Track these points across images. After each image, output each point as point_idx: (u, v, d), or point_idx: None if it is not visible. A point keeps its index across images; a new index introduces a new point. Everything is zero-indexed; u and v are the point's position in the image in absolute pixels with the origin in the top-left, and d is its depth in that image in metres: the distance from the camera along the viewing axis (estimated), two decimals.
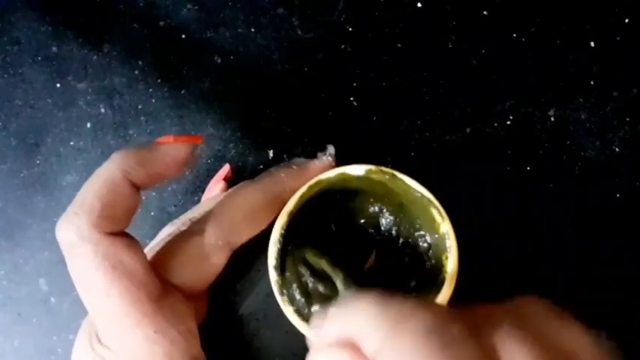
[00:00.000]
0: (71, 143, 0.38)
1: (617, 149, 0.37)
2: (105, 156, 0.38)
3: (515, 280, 0.36)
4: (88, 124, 0.38)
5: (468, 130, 0.37)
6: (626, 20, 0.37)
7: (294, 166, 0.31)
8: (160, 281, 0.26)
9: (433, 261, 0.31)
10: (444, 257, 0.30)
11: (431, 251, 0.32)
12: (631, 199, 0.36)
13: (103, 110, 0.38)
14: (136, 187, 0.25)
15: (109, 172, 0.25)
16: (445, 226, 0.30)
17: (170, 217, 0.37)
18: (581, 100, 0.37)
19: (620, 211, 0.36)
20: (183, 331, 0.26)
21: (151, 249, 0.28)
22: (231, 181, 0.36)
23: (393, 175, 0.30)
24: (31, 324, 0.37)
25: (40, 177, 0.38)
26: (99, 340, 0.26)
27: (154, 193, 0.37)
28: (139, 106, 0.38)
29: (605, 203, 0.36)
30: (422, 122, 0.37)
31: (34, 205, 0.38)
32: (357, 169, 0.30)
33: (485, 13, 0.37)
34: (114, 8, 0.38)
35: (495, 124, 0.37)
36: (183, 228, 0.29)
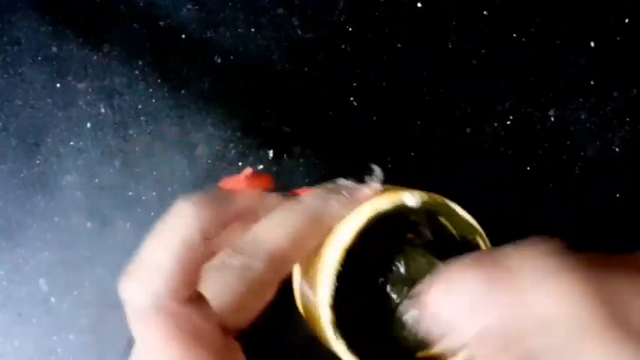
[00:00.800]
0: (71, 143, 0.38)
1: (617, 149, 0.37)
2: (105, 156, 0.38)
3: None
4: (88, 124, 0.38)
5: (468, 130, 0.37)
6: (626, 20, 0.37)
7: (344, 192, 0.29)
8: (224, 336, 0.25)
9: None
10: None
11: None
12: (631, 199, 0.36)
13: (103, 110, 0.38)
14: (207, 242, 0.24)
15: (187, 232, 0.23)
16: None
17: None
18: (581, 100, 0.37)
19: (620, 211, 0.36)
20: None
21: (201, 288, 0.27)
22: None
23: (447, 205, 0.29)
24: (31, 324, 0.37)
25: (40, 177, 0.38)
26: None
27: (154, 194, 0.37)
28: (139, 106, 0.38)
29: (605, 203, 0.36)
30: (422, 122, 0.37)
31: (34, 205, 0.38)
32: (413, 200, 0.28)
33: (485, 13, 0.37)
34: (114, 8, 0.38)
35: (495, 124, 0.37)
36: (232, 262, 0.27)
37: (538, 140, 0.37)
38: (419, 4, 0.38)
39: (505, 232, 0.35)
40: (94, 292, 0.37)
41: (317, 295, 0.28)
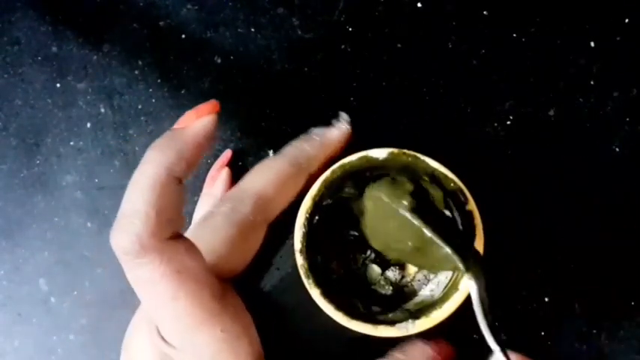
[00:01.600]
0: (71, 143, 0.38)
1: (617, 149, 0.37)
2: (105, 156, 0.38)
3: (515, 280, 0.36)
4: (88, 124, 0.38)
5: (468, 130, 0.37)
6: (626, 20, 0.37)
7: (315, 137, 0.32)
8: (218, 279, 0.26)
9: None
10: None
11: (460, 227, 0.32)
12: (631, 199, 0.36)
13: (102, 110, 0.38)
14: (180, 182, 0.25)
15: (154, 174, 0.24)
16: (469, 207, 0.30)
17: None
18: (581, 100, 0.37)
19: (620, 211, 0.36)
20: (246, 325, 0.27)
21: (192, 236, 0.28)
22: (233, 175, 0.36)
23: (416, 157, 0.31)
24: (31, 324, 0.37)
25: (40, 177, 0.38)
26: (162, 339, 0.26)
27: None
28: (139, 106, 0.38)
29: (605, 203, 0.36)
30: (422, 122, 0.37)
31: (34, 205, 0.38)
32: (379, 152, 0.31)
33: (485, 13, 0.37)
34: (114, 8, 0.38)
35: (495, 124, 0.37)
36: (220, 209, 0.29)
37: (538, 140, 0.37)
38: (419, 4, 0.38)
39: (505, 232, 0.36)
40: (94, 292, 0.37)
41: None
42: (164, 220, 0.24)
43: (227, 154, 0.36)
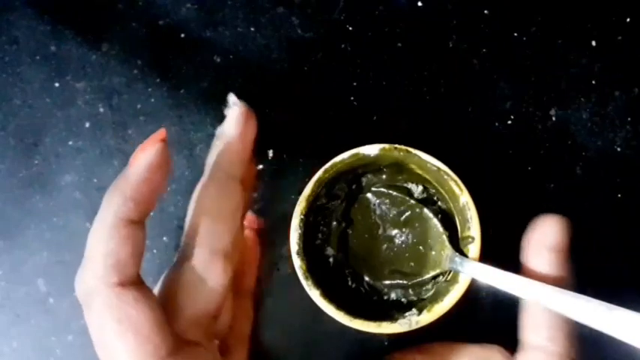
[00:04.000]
0: (70, 143, 0.38)
1: (618, 149, 0.36)
2: (104, 156, 0.37)
3: None
4: (87, 124, 0.38)
5: (468, 130, 0.37)
6: (628, 19, 0.37)
7: (217, 142, 0.30)
8: (172, 336, 0.25)
9: (459, 229, 0.32)
10: (466, 227, 0.31)
11: (457, 219, 0.32)
12: (633, 199, 0.36)
13: (101, 110, 0.38)
14: (135, 222, 0.25)
15: (103, 219, 0.24)
16: (464, 198, 0.30)
17: (169, 218, 0.37)
18: (582, 99, 0.37)
19: (621, 212, 0.36)
20: None
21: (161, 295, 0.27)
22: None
23: (408, 152, 0.31)
24: (30, 325, 0.37)
25: (38, 177, 0.38)
26: None
27: None
28: (138, 106, 0.38)
29: (606, 203, 0.36)
30: (422, 122, 0.37)
31: (32, 205, 0.37)
32: (371, 149, 0.31)
33: (485, 12, 0.37)
34: (113, 7, 0.38)
35: (496, 124, 0.37)
36: (175, 258, 0.28)
37: (539, 140, 0.37)
38: (419, 4, 0.38)
39: (505, 232, 0.35)
40: None
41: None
42: (110, 264, 0.24)
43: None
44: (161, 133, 0.26)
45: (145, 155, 0.25)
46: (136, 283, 0.25)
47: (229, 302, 0.31)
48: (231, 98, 0.31)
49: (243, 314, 0.33)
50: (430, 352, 0.32)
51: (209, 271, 0.27)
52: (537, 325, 0.29)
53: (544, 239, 0.29)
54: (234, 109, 0.30)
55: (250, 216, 0.36)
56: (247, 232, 0.35)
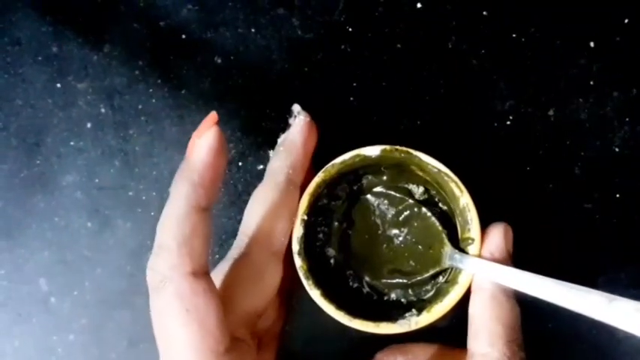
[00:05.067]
0: (71, 143, 0.38)
1: (617, 149, 0.37)
2: (105, 156, 0.38)
3: None
4: (89, 124, 0.38)
5: (468, 130, 0.37)
6: (626, 20, 0.37)
7: (280, 147, 0.31)
8: (229, 335, 0.25)
9: (459, 230, 0.32)
10: (466, 229, 0.31)
11: (457, 220, 0.32)
12: (631, 199, 0.36)
13: (103, 110, 0.38)
14: (205, 210, 0.25)
15: (175, 208, 0.25)
16: (465, 199, 0.30)
17: None
18: (581, 100, 0.37)
19: (620, 212, 0.36)
20: None
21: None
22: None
23: (409, 153, 0.31)
24: (31, 324, 0.37)
25: (40, 177, 0.38)
26: None
27: (154, 194, 0.37)
28: (140, 106, 0.38)
29: (605, 203, 0.36)
30: (421, 122, 0.37)
31: (34, 205, 0.38)
32: (372, 150, 0.31)
33: (484, 13, 0.37)
34: (114, 8, 0.38)
35: (495, 124, 0.37)
36: (233, 255, 0.29)
37: (538, 140, 0.37)
38: (419, 4, 0.38)
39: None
40: (95, 292, 0.37)
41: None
42: (185, 253, 0.24)
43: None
44: (213, 116, 0.27)
45: (204, 140, 0.26)
46: (206, 273, 0.25)
47: (276, 301, 0.31)
48: (296, 108, 0.32)
49: (276, 312, 0.33)
50: (411, 353, 0.32)
51: (267, 270, 0.28)
52: (478, 332, 0.29)
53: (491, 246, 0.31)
54: (300, 118, 0.32)
55: None
56: None
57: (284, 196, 0.30)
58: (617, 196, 0.36)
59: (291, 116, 0.33)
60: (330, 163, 0.31)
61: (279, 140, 0.32)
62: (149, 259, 0.25)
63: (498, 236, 0.30)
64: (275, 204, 0.29)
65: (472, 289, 0.30)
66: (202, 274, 0.25)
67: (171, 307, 0.24)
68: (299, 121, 0.32)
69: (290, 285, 0.32)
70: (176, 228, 0.24)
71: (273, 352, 0.32)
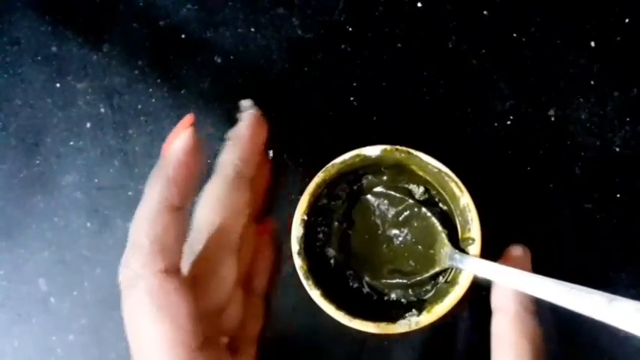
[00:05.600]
0: (71, 143, 0.38)
1: (617, 149, 0.37)
2: (104, 156, 0.38)
3: None
4: (88, 124, 0.38)
5: (468, 130, 0.37)
6: (626, 20, 0.37)
7: (229, 142, 0.31)
8: (201, 333, 0.25)
9: (459, 230, 0.33)
10: (467, 229, 0.31)
11: (458, 220, 0.33)
12: (631, 199, 0.36)
13: (102, 110, 0.38)
14: (179, 208, 0.25)
15: (148, 207, 0.25)
16: (465, 199, 0.30)
17: None
18: (581, 99, 0.37)
19: (620, 212, 0.36)
20: None
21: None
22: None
23: (409, 153, 0.31)
24: (31, 324, 0.37)
25: (39, 177, 0.38)
26: None
27: None
28: (139, 106, 0.38)
29: (605, 203, 0.36)
30: (422, 122, 0.37)
31: (33, 205, 0.38)
32: (372, 150, 0.31)
33: (485, 13, 0.37)
34: (114, 8, 0.38)
35: (495, 124, 0.37)
36: (186, 252, 0.29)
37: (538, 140, 0.37)
38: (419, 4, 0.38)
39: (505, 232, 0.35)
40: (94, 292, 0.37)
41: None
42: (157, 250, 0.24)
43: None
44: (189, 118, 0.27)
45: (179, 140, 0.26)
46: (178, 270, 0.25)
47: (239, 299, 0.31)
48: (246, 102, 0.32)
49: (253, 314, 0.33)
50: None
51: (221, 266, 0.28)
52: (504, 350, 0.30)
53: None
54: (249, 112, 0.31)
55: (264, 217, 0.36)
56: (259, 233, 0.36)
57: (234, 190, 0.29)
58: (618, 196, 0.36)
59: (240, 111, 0.32)
60: (330, 163, 0.31)
61: (228, 134, 0.31)
62: (123, 258, 0.25)
63: (518, 260, 0.31)
64: (225, 198, 0.29)
65: (493, 309, 0.30)
66: (174, 271, 0.25)
67: (143, 304, 0.24)
68: (248, 115, 0.31)
69: (269, 289, 0.32)
70: (148, 226, 0.24)
71: (252, 355, 0.32)
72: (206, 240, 0.28)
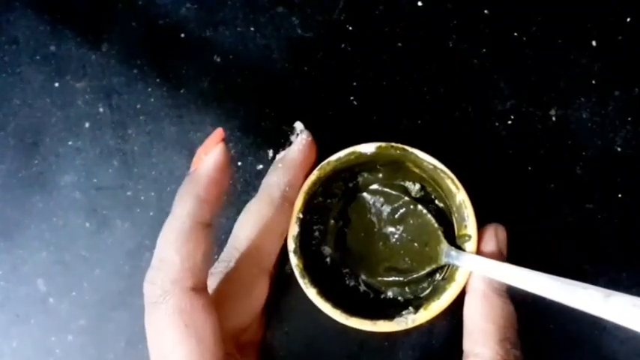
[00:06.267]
0: (70, 143, 0.38)
1: (618, 149, 0.36)
2: (103, 156, 0.37)
3: None
4: (87, 124, 0.38)
5: (468, 129, 0.37)
6: (628, 19, 0.37)
7: (279, 164, 0.31)
8: (224, 351, 0.25)
9: (456, 227, 0.32)
10: (463, 225, 0.31)
11: (454, 217, 0.32)
12: (633, 199, 0.36)
13: (101, 110, 0.38)
14: (208, 225, 0.25)
15: (178, 223, 0.25)
16: (461, 196, 0.30)
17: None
18: (582, 99, 0.37)
19: (621, 212, 0.36)
20: None
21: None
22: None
23: (404, 150, 0.31)
24: (30, 324, 0.37)
25: (38, 177, 0.38)
26: None
27: (152, 194, 0.37)
28: (138, 106, 0.38)
29: (606, 203, 0.36)
30: (422, 122, 0.37)
31: (32, 205, 0.37)
32: (368, 147, 0.31)
33: (485, 12, 0.37)
34: (113, 7, 0.38)
35: (496, 124, 0.37)
36: (216, 269, 0.29)
37: (539, 140, 0.37)
38: (419, 3, 0.38)
39: (506, 231, 0.35)
40: (93, 292, 0.37)
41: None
42: (187, 268, 0.24)
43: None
44: (219, 133, 0.27)
45: (211, 157, 0.26)
46: (205, 288, 0.25)
47: (261, 317, 0.31)
48: (299, 125, 0.33)
49: (259, 325, 0.33)
50: None
51: (255, 286, 0.28)
52: (470, 332, 0.29)
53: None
54: (302, 137, 0.32)
55: None
56: None
57: (278, 213, 0.30)
58: (619, 196, 0.36)
59: (293, 133, 0.33)
60: (326, 161, 0.31)
61: (279, 156, 0.32)
62: (148, 272, 0.25)
63: (490, 238, 0.30)
64: (269, 220, 0.29)
65: (466, 290, 0.30)
66: (202, 289, 0.25)
67: (170, 321, 0.24)
68: (300, 139, 0.32)
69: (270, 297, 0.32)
70: (179, 243, 0.24)
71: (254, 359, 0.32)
72: (242, 259, 0.28)
